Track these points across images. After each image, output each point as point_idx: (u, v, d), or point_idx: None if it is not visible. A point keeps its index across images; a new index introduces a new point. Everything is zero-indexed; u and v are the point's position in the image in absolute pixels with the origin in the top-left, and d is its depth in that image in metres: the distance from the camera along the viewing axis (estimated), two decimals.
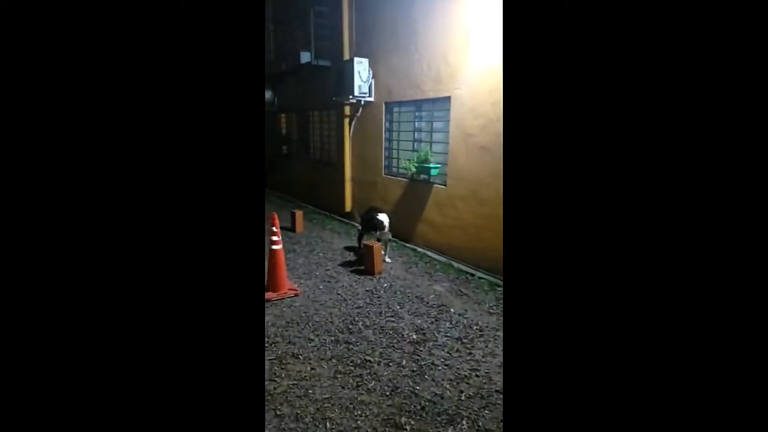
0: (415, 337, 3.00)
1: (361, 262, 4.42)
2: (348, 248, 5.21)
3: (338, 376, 2.52)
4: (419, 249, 5.14)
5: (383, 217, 4.55)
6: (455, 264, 4.56)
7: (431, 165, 4.79)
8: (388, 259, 4.62)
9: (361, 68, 5.67)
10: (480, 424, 2.12)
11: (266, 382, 2.43)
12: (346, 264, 4.59)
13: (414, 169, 5.04)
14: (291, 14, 7.92)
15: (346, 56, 6.13)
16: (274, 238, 3.62)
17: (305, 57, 6.93)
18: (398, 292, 3.79)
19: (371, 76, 5.76)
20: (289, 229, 6.10)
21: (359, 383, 2.44)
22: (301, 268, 4.43)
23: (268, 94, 9.27)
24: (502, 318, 3.31)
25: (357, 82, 5.66)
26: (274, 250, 3.61)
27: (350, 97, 5.82)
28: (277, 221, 3.69)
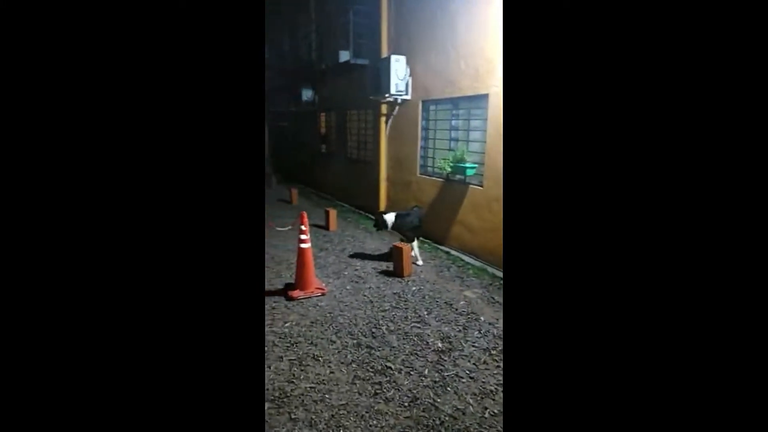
0: (440, 345, 2.86)
1: (390, 258, 4.33)
2: (380, 256, 5.14)
3: (357, 381, 2.44)
4: (453, 252, 4.98)
5: (388, 217, 4.56)
6: (489, 269, 4.36)
7: (467, 165, 4.61)
8: (420, 262, 4.50)
9: (398, 66, 5.57)
10: None
11: (284, 383, 2.40)
12: (376, 265, 4.51)
13: (449, 169, 4.88)
14: (332, 14, 7.96)
15: (384, 54, 6.06)
16: (303, 236, 3.61)
17: (344, 56, 6.93)
18: (426, 297, 3.67)
19: (408, 73, 5.65)
20: (323, 227, 6.12)
21: (378, 391, 2.35)
22: (331, 267, 4.41)
23: (309, 94, 9.40)
24: None
25: (393, 80, 5.57)
26: (302, 248, 3.60)
27: (386, 95, 5.74)
28: (306, 220, 3.68)
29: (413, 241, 4.54)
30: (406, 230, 4.54)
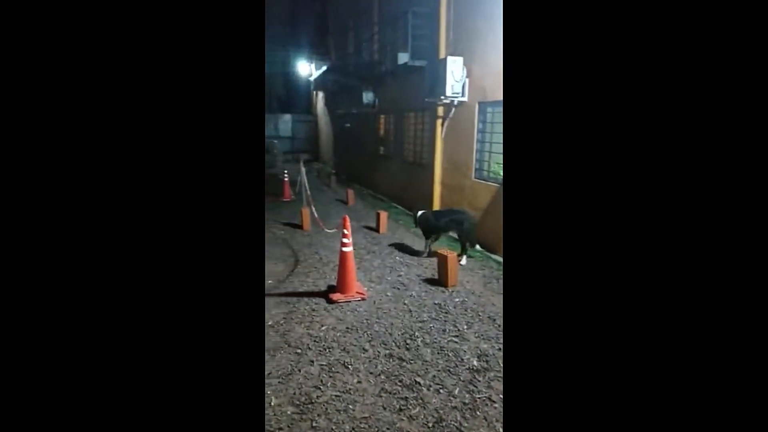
0: (476, 363, 2.71)
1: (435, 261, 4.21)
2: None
3: (383, 394, 2.38)
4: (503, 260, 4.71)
5: (420, 214, 4.95)
6: None
7: None
8: (463, 262, 4.44)
9: (455, 67, 5.40)
10: None
11: (311, 389, 2.42)
12: (420, 271, 4.42)
13: (493, 174, 4.63)
14: (393, 15, 7.96)
15: (442, 56, 5.92)
16: (345, 240, 3.62)
17: (403, 58, 6.89)
18: (469, 309, 3.50)
19: (465, 75, 5.46)
20: (373, 229, 6.14)
21: (403, 407, 2.28)
22: (375, 271, 4.39)
23: (369, 96, 9.50)
24: None
25: (450, 81, 5.41)
26: (344, 252, 3.62)
27: (443, 97, 5.60)
28: (348, 223, 3.70)
29: (428, 238, 4.83)
30: (425, 226, 4.75)
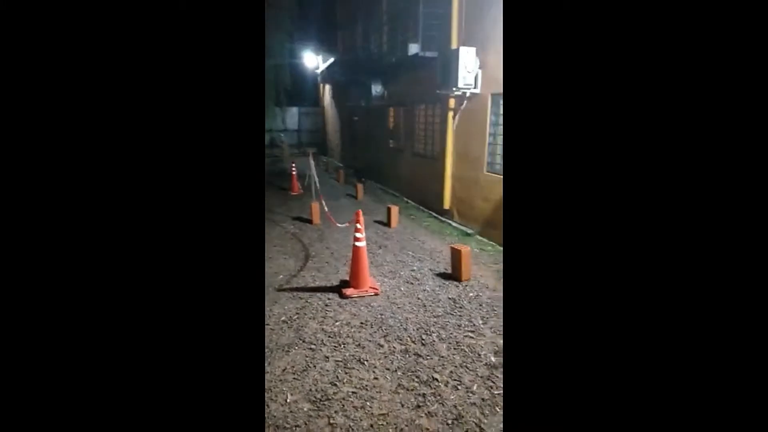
0: (493, 359, 2.67)
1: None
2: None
3: (400, 391, 2.36)
4: None
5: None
6: None
7: None
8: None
9: (467, 58, 5.30)
10: None
11: (327, 386, 2.40)
12: (433, 266, 4.37)
13: None
14: (402, 5, 7.85)
15: (454, 46, 5.82)
16: (358, 235, 3.59)
17: (413, 49, 6.79)
18: (484, 304, 3.46)
19: (478, 66, 5.36)
20: (384, 224, 6.10)
21: (420, 403, 2.25)
22: (387, 266, 4.36)
23: (378, 88, 9.41)
24: None
25: (462, 72, 5.32)
26: (357, 247, 3.58)
27: (454, 88, 5.51)
28: (361, 218, 3.66)
29: None
30: None
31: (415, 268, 4.32)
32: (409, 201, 7.89)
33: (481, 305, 3.45)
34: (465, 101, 5.83)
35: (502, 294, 3.67)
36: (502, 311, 3.33)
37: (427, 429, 2.07)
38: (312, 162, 7.92)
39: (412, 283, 3.91)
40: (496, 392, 2.35)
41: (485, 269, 4.28)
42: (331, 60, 12.70)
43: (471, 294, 3.67)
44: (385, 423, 2.10)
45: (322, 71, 14.50)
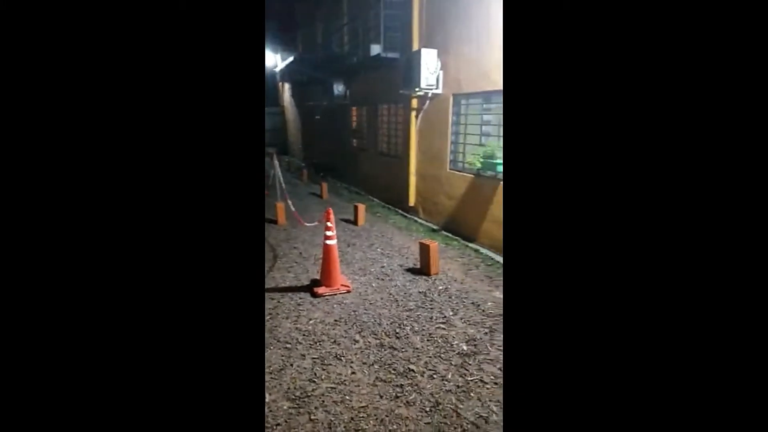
0: (465, 348, 2.79)
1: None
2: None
3: (378, 383, 2.41)
4: (482, 250, 4.84)
5: None
6: None
7: (498, 161, 4.45)
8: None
9: (429, 59, 5.44)
10: None
11: (306, 383, 2.41)
12: (402, 261, 4.46)
13: (479, 165, 4.74)
14: (364, 6, 7.89)
15: (416, 47, 5.94)
16: (328, 233, 3.61)
17: (375, 49, 6.85)
18: (453, 296, 3.58)
19: (439, 67, 5.51)
20: (351, 222, 6.13)
21: (399, 394, 2.32)
22: (357, 264, 4.40)
23: (340, 88, 9.40)
24: None
25: (424, 73, 5.45)
26: (328, 245, 3.60)
27: (417, 89, 5.63)
28: (332, 216, 3.68)
29: None
30: None
31: (384, 264, 4.39)
32: (375, 199, 7.96)
33: (450, 297, 3.57)
34: (427, 101, 5.97)
35: (469, 286, 3.82)
36: (471, 303, 3.47)
37: (407, 417, 2.14)
38: (276, 162, 7.81)
39: (382, 279, 3.97)
40: (469, 379, 2.46)
41: (452, 263, 4.42)
42: (291, 59, 12.52)
43: (440, 287, 3.79)
44: (365, 415, 2.15)
45: (281, 70, 14.25)
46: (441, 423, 2.10)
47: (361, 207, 6.14)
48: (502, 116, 4.59)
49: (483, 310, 3.34)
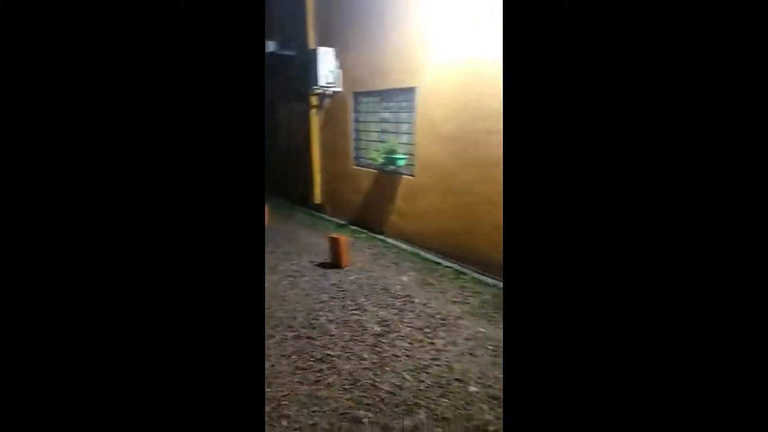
0: (378, 329, 2.99)
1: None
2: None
3: (298, 372, 2.48)
4: (389, 240, 5.13)
5: None
6: (422, 253, 4.58)
7: (398, 156, 4.76)
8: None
9: (327, 58, 5.55)
10: (438, 412, 2.13)
11: None
12: (312, 257, 4.53)
13: (381, 160, 5.01)
14: None
15: (312, 45, 6.00)
16: None
17: (270, 47, 6.74)
18: (364, 285, 3.78)
19: (338, 65, 5.66)
20: None
21: (319, 378, 2.42)
22: (267, 263, 4.34)
23: None
24: (464, 307, 3.34)
25: (322, 71, 5.54)
26: None
27: (315, 87, 5.71)
28: None
29: None
30: None
31: (294, 261, 4.41)
32: (279, 198, 7.83)
33: (361, 286, 3.75)
34: (328, 99, 6.08)
35: (379, 274, 4.05)
36: (381, 288, 3.69)
37: (328, 397, 2.25)
38: None
39: (294, 277, 4.00)
40: (384, 355, 2.66)
41: (361, 255, 4.62)
42: None
43: (351, 278, 3.95)
44: (287, 402, 2.22)
45: None
46: (360, 396, 2.26)
47: (266, 206, 6.03)
48: (400, 114, 4.91)
49: (392, 294, 3.59)
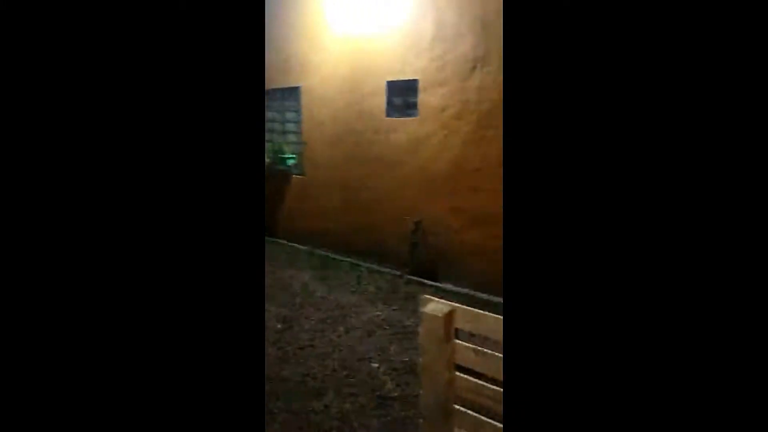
0: (280, 326, 3.04)
1: None
2: None
3: None
4: (281, 241, 5.12)
5: None
6: (317, 251, 4.70)
7: (287, 156, 4.79)
8: None
9: None
10: (345, 391, 2.30)
11: None
12: None
13: (269, 161, 4.97)
14: None
15: None
16: None
17: None
18: (267, 287, 3.73)
19: None
20: None
21: None
22: None
23: None
24: (361, 296, 3.57)
25: None
26: None
27: None
28: None
29: None
30: None
31: None
32: None
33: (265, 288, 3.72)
34: None
35: (277, 276, 4.05)
36: (280, 289, 3.72)
37: None
38: None
39: None
40: (287, 348, 2.73)
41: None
42: None
43: None
44: None
45: None
46: (271, 391, 2.31)
47: None
48: (285, 114, 4.93)
49: (292, 292, 3.64)
